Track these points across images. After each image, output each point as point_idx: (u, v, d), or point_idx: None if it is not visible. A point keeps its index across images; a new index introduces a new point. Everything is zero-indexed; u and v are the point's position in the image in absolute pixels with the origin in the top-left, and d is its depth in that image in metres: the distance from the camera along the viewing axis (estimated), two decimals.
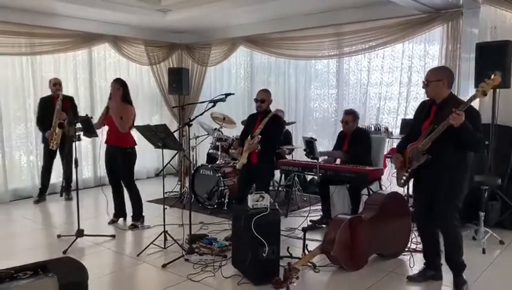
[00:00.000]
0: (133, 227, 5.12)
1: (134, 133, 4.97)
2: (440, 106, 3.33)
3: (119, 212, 5.36)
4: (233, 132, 7.02)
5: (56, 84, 6.18)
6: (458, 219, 3.39)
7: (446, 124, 3.12)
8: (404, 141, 3.66)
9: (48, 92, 6.43)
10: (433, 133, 3.24)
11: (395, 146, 6.04)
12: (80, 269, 2.11)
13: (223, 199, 5.88)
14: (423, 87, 3.46)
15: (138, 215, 5.22)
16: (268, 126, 4.69)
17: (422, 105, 3.63)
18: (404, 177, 3.55)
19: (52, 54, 6.87)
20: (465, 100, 3.31)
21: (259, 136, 4.46)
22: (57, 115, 5.96)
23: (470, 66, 5.26)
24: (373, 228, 3.94)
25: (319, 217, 5.27)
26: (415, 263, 3.96)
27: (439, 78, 3.32)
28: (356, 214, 4.25)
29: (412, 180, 3.60)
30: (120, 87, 5.06)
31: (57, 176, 6.65)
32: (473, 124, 3.12)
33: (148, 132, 4.39)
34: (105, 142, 5.11)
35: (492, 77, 3.13)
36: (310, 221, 5.15)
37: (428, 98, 3.49)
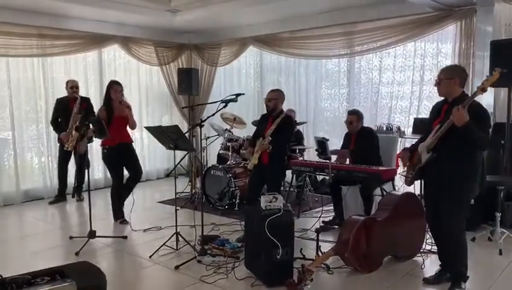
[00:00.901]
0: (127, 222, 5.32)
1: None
2: (451, 104, 3.26)
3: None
4: (244, 132, 6.99)
5: (73, 86, 6.25)
6: (463, 222, 3.32)
7: (450, 122, 3.08)
8: (418, 141, 3.61)
9: (60, 93, 6.47)
10: (438, 131, 3.21)
11: (408, 146, 6.00)
12: (98, 274, 2.08)
13: (234, 200, 5.85)
14: (435, 85, 3.42)
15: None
16: (279, 127, 4.64)
17: (435, 105, 3.60)
18: (410, 176, 3.52)
19: (62, 55, 6.90)
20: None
21: (269, 138, 4.41)
22: (74, 118, 5.96)
23: (484, 64, 5.19)
24: (387, 229, 3.89)
25: (331, 217, 5.22)
26: (430, 264, 3.90)
27: (450, 76, 3.28)
28: (370, 215, 4.19)
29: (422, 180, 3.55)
30: (121, 89, 5.23)
31: (69, 177, 6.66)
32: (478, 122, 3.06)
33: (160, 133, 4.37)
34: (110, 143, 5.12)
35: (493, 73, 3.09)
36: (322, 222, 5.10)
37: (441, 99, 3.45)
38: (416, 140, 5.27)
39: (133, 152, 5.40)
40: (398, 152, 5.68)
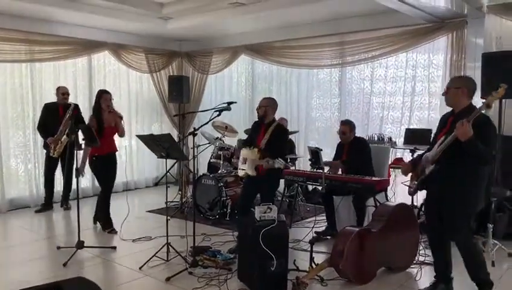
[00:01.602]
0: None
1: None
2: (457, 116, 3.24)
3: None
4: (235, 141, 6.95)
5: (65, 93, 6.20)
6: (470, 234, 3.32)
7: (453, 136, 3.06)
8: (423, 153, 3.57)
9: (48, 100, 6.38)
10: (443, 144, 3.19)
11: (400, 156, 6.03)
12: None
13: (225, 209, 5.78)
14: (443, 94, 3.40)
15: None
16: (273, 137, 4.58)
17: (442, 117, 3.57)
18: (412, 187, 3.51)
19: (51, 61, 6.78)
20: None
21: (283, 163, 4.24)
22: (64, 124, 5.86)
23: (475, 76, 5.16)
24: (382, 240, 3.86)
25: (324, 228, 5.18)
26: (424, 275, 3.88)
27: (458, 85, 3.27)
28: (364, 226, 4.17)
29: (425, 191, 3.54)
30: (111, 98, 5.23)
31: (56, 185, 6.52)
32: (483, 136, 3.03)
33: (152, 141, 4.30)
34: (100, 152, 5.08)
35: (499, 89, 3.07)
36: (315, 232, 5.06)
37: (448, 111, 3.42)
38: (411, 152, 5.32)
39: (115, 163, 5.32)
40: (389, 162, 5.71)
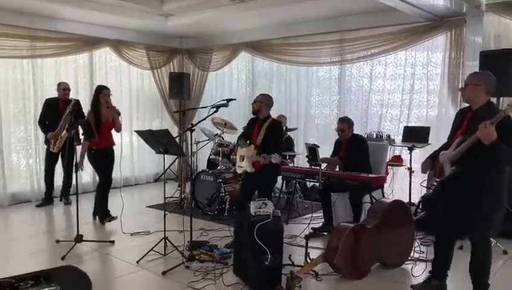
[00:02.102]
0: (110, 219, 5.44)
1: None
2: (475, 113, 3.17)
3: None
4: (234, 137, 6.96)
5: (66, 89, 6.28)
6: (488, 238, 3.30)
7: (475, 138, 2.97)
8: (439, 149, 3.50)
9: (49, 95, 6.43)
10: (463, 145, 3.11)
11: (398, 154, 6.05)
12: (83, 279, 2.04)
13: (223, 205, 5.83)
14: (460, 90, 3.31)
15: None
16: (268, 133, 4.62)
17: (459, 111, 3.50)
18: (433, 187, 3.47)
19: (53, 57, 6.84)
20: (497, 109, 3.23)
21: (280, 158, 4.29)
22: (64, 119, 5.92)
23: None
24: (376, 236, 3.89)
25: (321, 224, 5.22)
26: (419, 272, 3.90)
27: (476, 82, 3.16)
28: (359, 222, 4.20)
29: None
30: (110, 93, 5.34)
31: (56, 179, 6.58)
32: (506, 137, 2.92)
33: (150, 137, 4.35)
34: (98, 146, 5.19)
35: None
36: (312, 228, 5.09)
37: (465, 106, 3.34)
38: (409, 149, 5.29)
39: (113, 157, 5.44)
40: (387, 160, 5.73)
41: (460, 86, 5.32)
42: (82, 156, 5.17)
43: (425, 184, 5.33)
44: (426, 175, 3.58)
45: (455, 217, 3.36)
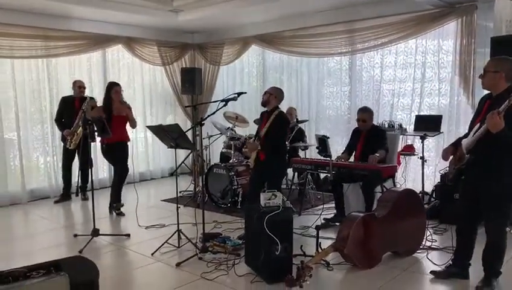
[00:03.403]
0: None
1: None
2: (494, 100, 3.14)
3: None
4: (246, 131, 7.04)
5: (81, 86, 6.43)
6: (505, 224, 3.31)
7: (485, 128, 2.98)
8: (463, 136, 3.48)
9: (64, 94, 6.57)
10: (477, 133, 3.11)
11: (410, 143, 6.02)
12: (91, 268, 2.14)
13: (236, 198, 5.90)
14: (479, 77, 3.28)
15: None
16: (272, 123, 4.68)
17: (481, 99, 3.46)
18: (451, 175, 3.46)
19: (67, 56, 6.97)
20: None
21: (255, 138, 4.46)
22: (79, 117, 6.04)
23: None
24: (387, 225, 3.91)
25: (333, 215, 5.24)
26: (431, 260, 3.91)
27: (496, 69, 3.13)
28: (369, 212, 4.22)
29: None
30: (121, 90, 5.55)
31: (73, 175, 6.74)
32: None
33: (161, 131, 4.43)
34: (109, 140, 5.34)
35: None
36: (324, 219, 5.13)
37: (487, 92, 3.31)
38: (421, 138, 5.25)
39: (126, 151, 5.59)
40: (399, 149, 5.71)
41: (478, 73, 5.25)
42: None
43: (438, 172, 5.35)
44: (448, 163, 3.57)
45: (473, 205, 3.35)
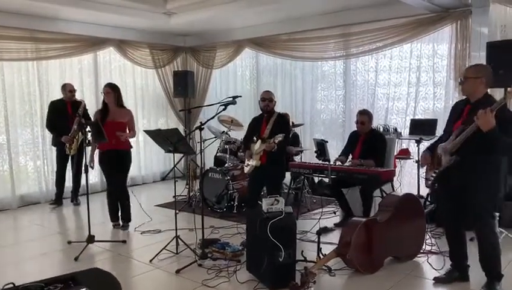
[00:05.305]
0: (126, 228, 5.26)
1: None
2: (474, 105, 3.20)
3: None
4: (241, 134, 6.95)
5: (72, 90, 6.27)
6: (494, 224, 3.32)
7: (474, 126, 3.03)
8: (436, 141, 3.56)
9: (55, 97, 6.45)
10: (463, 134, 3.15)
11: (405, 147, 6.04)
12: (112, 281, 2.05)
13: (232, 202, 5.84)
14: (460, 84, 3.35)
15: (130, 218, 5.32)
16: (276, 126, 4.65)
17: (456, 104, 3.55)
18: (431, 178, 3.46)
19: (57, 58, 6.84)
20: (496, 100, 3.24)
21: (280, 136, 4.31)
22: (77, 121, 5.88)
23: None
24: (388, 230, 3.90)
25: (341, 218, 5.23)
26: (433, 264, 3.91)
27: (477, 75, 3.21)
28: (371, 217, 4.20)
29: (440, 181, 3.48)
30: (112, 92, 5.06)
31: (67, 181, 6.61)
32: (505, 124, 2.98)
33: (159, 136, 4.35)
34: (102, 148, 5.03)
35: None
36: (334, 224, 5.13)
37: (462, 98, 3.42)
38: (416, 142, 5.29)
39: (124, 161, 5.14)
40: (395, 153, 5.72)
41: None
42: (91, 156, 5.01)
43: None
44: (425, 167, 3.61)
45: (457, 207, 3.38)
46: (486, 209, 3.25)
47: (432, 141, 3.78)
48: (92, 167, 4.97)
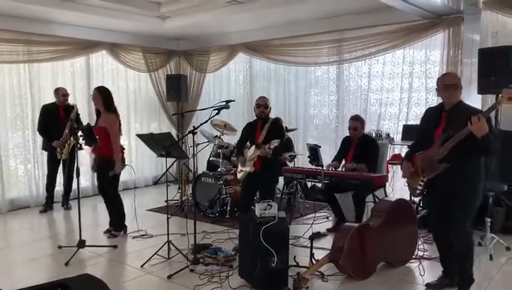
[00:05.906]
0: (112, 235, 5.08)
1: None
2: (450, 112, 3.28)
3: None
4: (234, 139, 6.95)
5: (65, 94, 6.20)
6: (471, 229, 3.36)
7: (466, 131, 3.04)
8: (412, 149, 3.60)
9: (46, 100, 6.40)
10: (450, 141, 3.16)
11: (398, 152, 6.05)
12: (102, 288, 2.01)
13: (224, 207, 5.82)
14: (438, 91, 3.37)
15: (120, 225, 5.16)
16: (271, 132, 4.66)
17: (429, 112, 3.60)
18: (419, 187, 3.45)
19: (50, 61, 6.80)
20: (472, 106, 3.36)
21: (276, 142, 4.32)
22: (68, 126, 5.84)
23: (472, 71, 5.26)
24: (381, 235, 3.90)
25: (334, 223, 5.23)
26: (426, 270, 3.91)
27: (458, 82, 3.31)
28: (364, 222, 4.20)
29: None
30: (98, 95, 4.87)
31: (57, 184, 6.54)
32: (491, 130, 3.05)
33: (151, 140, 4.32)
34: (92, 151, 5.05)
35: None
36: (327, 229, 5.12)
37: (434, 105, 3.47)
38: (408, 147, 5.31)
39: (100, 168, 4.95)
40: (388, 158, 5.74)
41: (465, 84, 5.33)
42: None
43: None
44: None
45: (446, 213, 3.38)
46: (466, 216, 3.28)
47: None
48: (94, 170, 4.95)
